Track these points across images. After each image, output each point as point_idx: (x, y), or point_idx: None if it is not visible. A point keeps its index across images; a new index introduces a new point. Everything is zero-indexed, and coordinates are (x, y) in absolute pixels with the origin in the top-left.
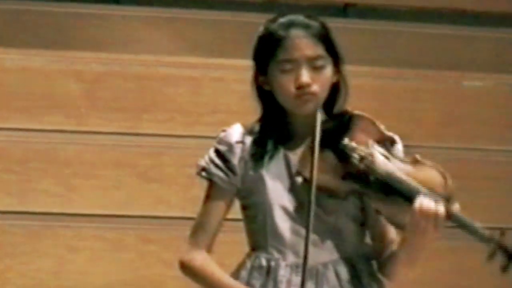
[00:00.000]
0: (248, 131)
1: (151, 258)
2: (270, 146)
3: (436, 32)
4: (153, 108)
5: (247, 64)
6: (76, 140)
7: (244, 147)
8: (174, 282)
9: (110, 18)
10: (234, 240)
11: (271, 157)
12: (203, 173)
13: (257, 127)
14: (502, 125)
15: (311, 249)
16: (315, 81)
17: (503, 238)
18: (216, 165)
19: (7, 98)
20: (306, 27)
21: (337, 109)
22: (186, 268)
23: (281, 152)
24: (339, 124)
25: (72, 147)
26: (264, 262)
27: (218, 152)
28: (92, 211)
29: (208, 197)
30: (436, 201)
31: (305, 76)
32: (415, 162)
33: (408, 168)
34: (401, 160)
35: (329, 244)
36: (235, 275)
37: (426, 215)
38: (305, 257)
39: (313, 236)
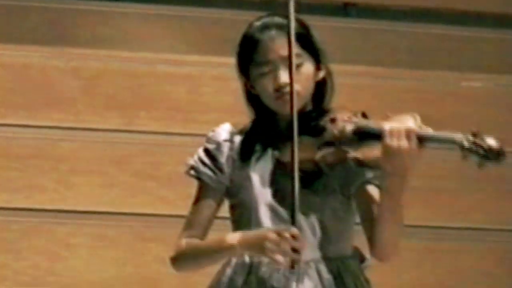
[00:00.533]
0: (238, 131)
1: (148, 255)
2: (258, 146)
3: (436, 32)
4: (151, 106)
5: None
6: (73, 137)
7: (233, 146)
8: (171, 279)
9: (109, 15)
10: None
11: (259, 158)
12: (192, 172)
13: (247, 128)
14: (502, 126)
15: None
16: (294, 80)
17: (476, 138)
18: (205, 164)
19: (5, 94)
20: (280, 27)
21: (325, 106)
22: (176, 259)
23: (269, 153)
24: (317, 111)
25: (69, 144)
26: (247, 259)
27: (206, 151)
28: (89, 208)
29: (197, 196)
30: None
31: (283, 76)
32: (386, 117)
33: (380, 122)
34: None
35: (312, 242)
36: (221, 272)
37: (397, 133)
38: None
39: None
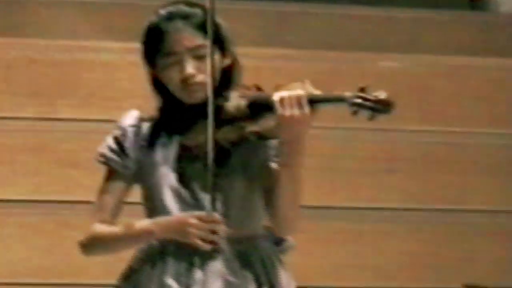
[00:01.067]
0: (147, 118)
1: (71, 243)
2: (164, 132)
3: (352, 13)
4: (70, 93)
5: None
6: None
7: (139, 132)
8: (95, 267)
9: (26, 3)
10: None
11: (164, 143)
12: (101, 159)
13: (155, 115)
14: (418, 105)
15: None
16: (200, 71)
17: (364, 93)
18: (112, 150)
19: None
20: (185, 17)
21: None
22: (86, 244)
23: (175, 139)
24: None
25: None
26: (155, 244)
27: (114, 137)
28: (10, 197)
29: (105, 180)
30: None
31: (188, 68)
32: (278, 86)
33: (272, 92)
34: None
35: None
36: (133, 257)
37: (288, 101)
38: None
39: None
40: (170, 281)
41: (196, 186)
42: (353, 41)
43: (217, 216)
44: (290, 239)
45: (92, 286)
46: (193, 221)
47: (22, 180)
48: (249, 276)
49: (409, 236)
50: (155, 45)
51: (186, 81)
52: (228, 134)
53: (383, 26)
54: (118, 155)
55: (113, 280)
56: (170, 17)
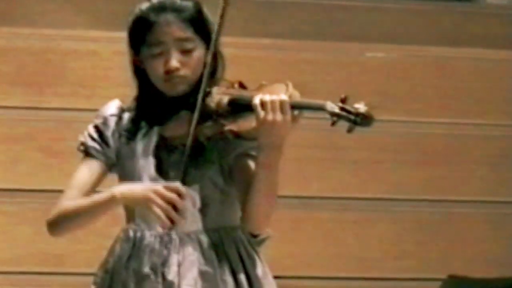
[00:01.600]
0: (128, 107)
1: None
2: (144, 123)
3: (339, 3)
4: (56, 82)
5: None
6: None
7: (120, 121)
8: (77, 256)
9: None
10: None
11: (144, 133)
12: (82, 148)
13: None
14: (403, 96)
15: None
16: (185, 65)
17: (345, 104)
18: (92, 138)
19: None
20: (176, 10)
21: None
22: (52, 221)
23: (155, 130)
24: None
25: None
26: (131, 234)
27: (94, 126)
28: None
29: (81, 165)
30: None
31: (174, 61)
32: (261, 86)
33: (254, 92)
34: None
35: (193, 214)
36: (111, 249)
37: (271, 105)
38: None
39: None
40: (146, 269)
41: (173, 176)
42: (340, 32)
43: (183, 189)
44: (268, 230)
45: (74, 275)
46: (159, 188)
47: (6, 168)
48: (225, 266)
49: (393, 226)
50: (142, 33)
51: (169, 73)
52: (206, 129)
53: (369, 16)
54: (99, 144)
55: (95, 269)
56: (162, 8)
